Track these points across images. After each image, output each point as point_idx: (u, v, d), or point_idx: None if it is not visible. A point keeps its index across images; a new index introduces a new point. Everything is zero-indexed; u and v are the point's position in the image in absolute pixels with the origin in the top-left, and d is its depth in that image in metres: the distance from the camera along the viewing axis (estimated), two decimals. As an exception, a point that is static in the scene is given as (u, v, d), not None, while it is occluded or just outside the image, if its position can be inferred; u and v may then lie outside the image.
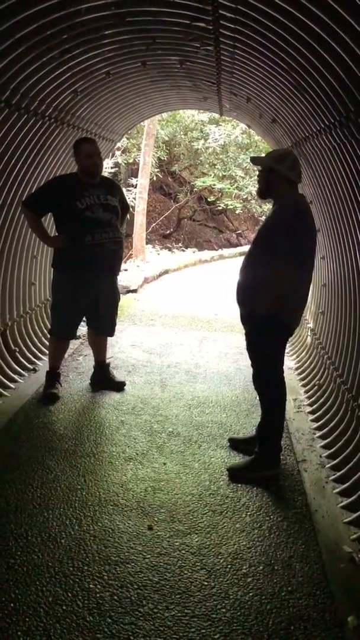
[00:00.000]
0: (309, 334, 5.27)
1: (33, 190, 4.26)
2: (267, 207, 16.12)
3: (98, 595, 2.30)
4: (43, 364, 4.64)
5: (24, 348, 4.67)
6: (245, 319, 3.24)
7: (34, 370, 4.58)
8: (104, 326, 4.33)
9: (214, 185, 16.24)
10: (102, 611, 2.22)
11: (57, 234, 4.08)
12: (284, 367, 3.34)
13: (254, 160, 3.34)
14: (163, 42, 4.08)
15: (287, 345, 3.99)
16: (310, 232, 3.07)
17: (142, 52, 4.22)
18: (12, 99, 3.63)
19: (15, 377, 4.35)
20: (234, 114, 7.06)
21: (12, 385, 4.22)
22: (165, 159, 16.69)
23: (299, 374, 4.93)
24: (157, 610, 2.25)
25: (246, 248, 15.45)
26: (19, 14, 2.94)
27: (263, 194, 3.27)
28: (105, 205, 3.92)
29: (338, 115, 3.32)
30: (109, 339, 4.51)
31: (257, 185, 3.39)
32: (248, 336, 3.31)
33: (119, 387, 4.40)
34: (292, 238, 2.94)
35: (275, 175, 3.08)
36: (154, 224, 16.30)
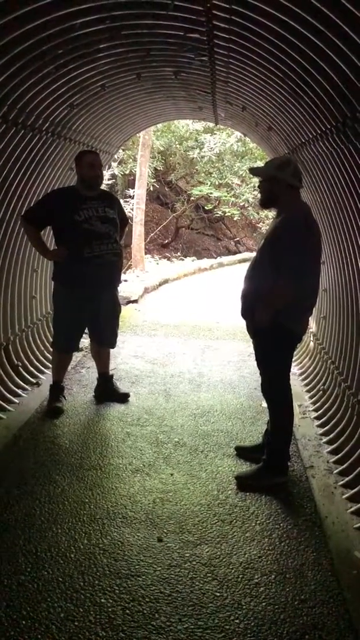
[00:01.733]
0: (312, 339, 5.26)
1: (32, 204, 4.28)
2: (265, 213, 16.17)
3: (110, 609, 2.28)
4: (46, 378, 4.62)
5: (26, 362, 4.67)
6: (253, 328, 3.23)
7: (38, 384, 4.57)
8: (105, 338, 4.33)
9: (211, 193, 16.30)
10: (115, 626, 2.20)
11: (56, 247, 4.08)
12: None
13: (254, 171, 3.29)
14: (158, 54, 4.11)
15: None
16: (318, 240, 3.08)
17: (137, 64, 4.25)
18: (9, 115, 3.64)
19: (19, 391, 4.33)
20: (229, 122, 7.10)
21: (16, 400, 4.20)
22: (162, 169, 16.77)
23: (303, 379, 4.92)
24: (170, 623, 2.23)
25: (245, 255, 15.34)
26: (14, 30, 2.96)
27: (266, 203, 3.25)
28: (103, 218, 3.94)
29: (334, 121, 3.34)
30: (112, 350, 4.50)
31: (257, 195, 3.38)
32: (256, 346, 3.29)
33: (123, 398, 4.40)
34: (302, 247, 2.93)
35: (279, 184, 3.07)
36: (152, 234, 16.36)
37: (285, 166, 3.08)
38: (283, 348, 3.19)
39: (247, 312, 3.18)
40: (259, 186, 3.26)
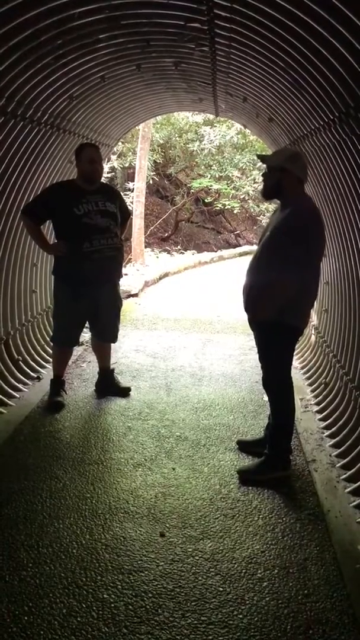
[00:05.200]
0: (314, 332, 5.24)
1: (31, 198, 4.24)
2: (265, 206, 16.09)
3: (112, 605, 2.27)
4: (47, 372, 4.61)
5: (27, 357, 4.65)
6: (255, 322, 3.20)
7: (38, 378, 4.55)
8: (106, 332, 4.30)
9: (211, 186, 16.23)
10: (118, 621, 2.19)
11: (56, 241, 4.05)
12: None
13: (264, 159, 3.21)
14: (158, 44, 4.06)
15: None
16: (323, 234, 3.05)
17: (136, 55, 4.20)
18: (7, 107, 3.60)
19: (20, 386, 4.32)
20: (229, 114, 7.05)
21: (16, 395, 4.19)
22: (161, 161, 16.68)
23: (305, 372, 4.90)
24: (173, 619, 2.21)
25: (246, 248, 15.25)
26: (11, 21, 2.92)
27: (270, 194, 3.18)
28: (103, 212, 3.90)
29: (337, 112, 3.30)
30: (113, 344, 4.48)
31: (258, 188, 3.34)
32: (257, 340, 3.27)
33: (124, 392, 4.38)
34: (309, 241, 2.90)
35: (288, 176, 3.02)
36: (152, 227, 16.28)
37: (296, 159, 3.05)
38: (284, 342, 3.17)
39: (250, 305, 3.15)
40: (263, 174, 3.20)
